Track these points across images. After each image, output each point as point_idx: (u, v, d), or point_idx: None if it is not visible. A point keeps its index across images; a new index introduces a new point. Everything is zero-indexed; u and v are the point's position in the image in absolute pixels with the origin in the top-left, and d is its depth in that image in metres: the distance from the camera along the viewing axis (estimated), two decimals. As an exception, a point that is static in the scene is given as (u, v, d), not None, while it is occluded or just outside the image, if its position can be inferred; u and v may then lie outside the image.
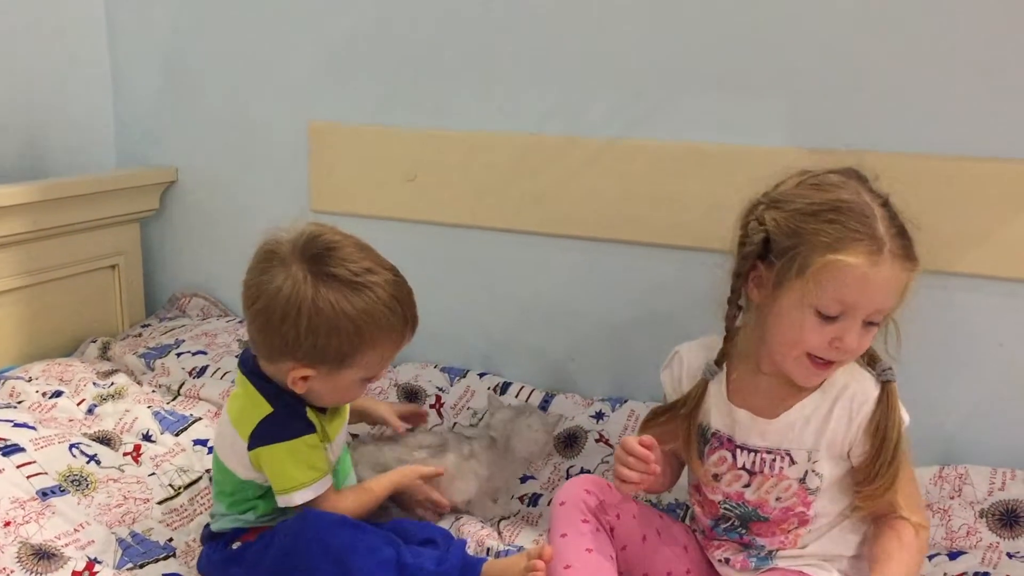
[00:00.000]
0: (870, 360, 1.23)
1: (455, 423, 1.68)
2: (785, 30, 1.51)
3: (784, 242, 1.14)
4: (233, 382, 1.44)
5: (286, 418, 1.26)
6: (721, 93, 1.57)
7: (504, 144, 1.74)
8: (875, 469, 1.18)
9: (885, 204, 1.15)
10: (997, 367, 1.46)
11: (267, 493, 1.29)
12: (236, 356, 1.79)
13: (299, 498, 1.24)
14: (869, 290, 1.10)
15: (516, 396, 1.73)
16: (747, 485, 1.22)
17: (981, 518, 1.38)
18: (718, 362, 1.25)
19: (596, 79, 1.66)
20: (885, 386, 1.19)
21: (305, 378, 1.24)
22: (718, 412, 1.25)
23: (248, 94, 1.98)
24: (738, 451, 1.23)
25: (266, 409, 1.26)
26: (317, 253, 1.22)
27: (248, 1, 1.94)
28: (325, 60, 1.89)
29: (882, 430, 1.18)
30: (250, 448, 1.25)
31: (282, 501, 1.26)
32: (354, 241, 1.27)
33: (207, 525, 1.33)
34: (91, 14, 2.07)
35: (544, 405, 1.71)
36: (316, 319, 1.20)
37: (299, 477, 1.24)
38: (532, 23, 1.69)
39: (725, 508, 1.24)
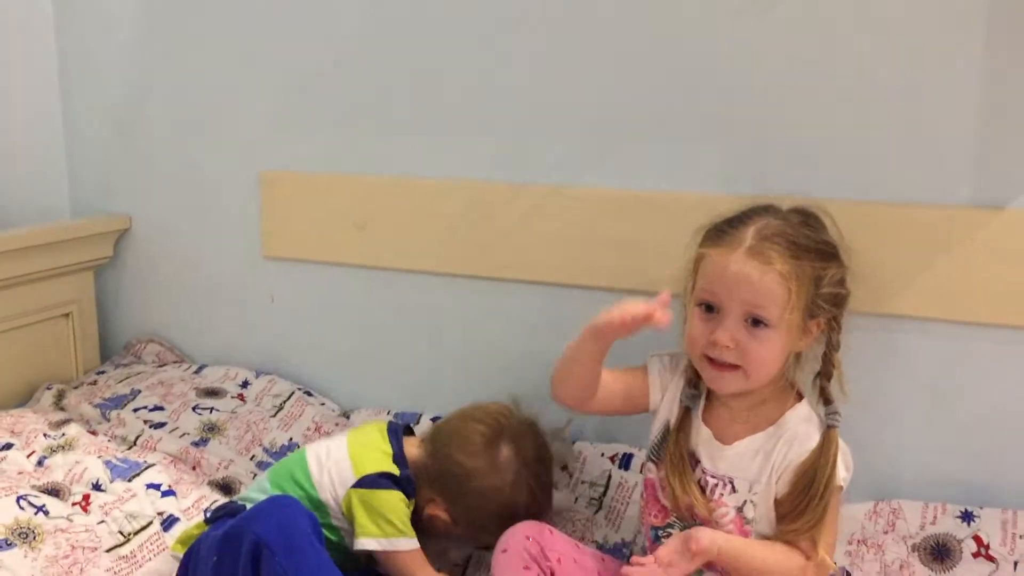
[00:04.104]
0: (825, 400, 1.28)
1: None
2: (723, 81, 1.56)
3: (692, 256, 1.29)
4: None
5: (403, 483, 1.41)
6: (662, 142, 1.62)
7: (452, 191, 1.78)
8: (798, 508, 1.23)
9: (779, 231, 1.23)
10: (927, 404, 1.50)
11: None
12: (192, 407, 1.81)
13: (405, 544, 1.37)
14: (726, 280, 1.22)
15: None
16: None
17: (914, 552, 1.42)
18: (693, 384, 1.33)
19: (541, 128, 1.70)
20: (827, 431, 1.25)
21: (435, 516, 1.43)
22: (693, 429, 1.32)
23: (199, 143, 2.00)
24: (697, 466, 1.29)
25: (393, 469, 1.41)
26: (536, 457, 1.45)
27: (198, 53, 1.98)
28: (275, 109, 1.92)
29: (811, 472, 1.23)
30: (358, 485, 1.39)
31: (372, 544, 1.36)
32: (547, 452, 1.49)
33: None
34: (43, 68, 2.10)
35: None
36: (497, 501, 1.40)
37: (400, 525, 1.38)
38: (479, 73, 1.74)
39: (675, 519, 1.30)
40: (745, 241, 1.22)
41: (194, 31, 1.97)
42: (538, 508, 1.43)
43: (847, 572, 1.42)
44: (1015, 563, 1.37)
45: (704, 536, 1.19)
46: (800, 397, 1.30)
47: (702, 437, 1.30)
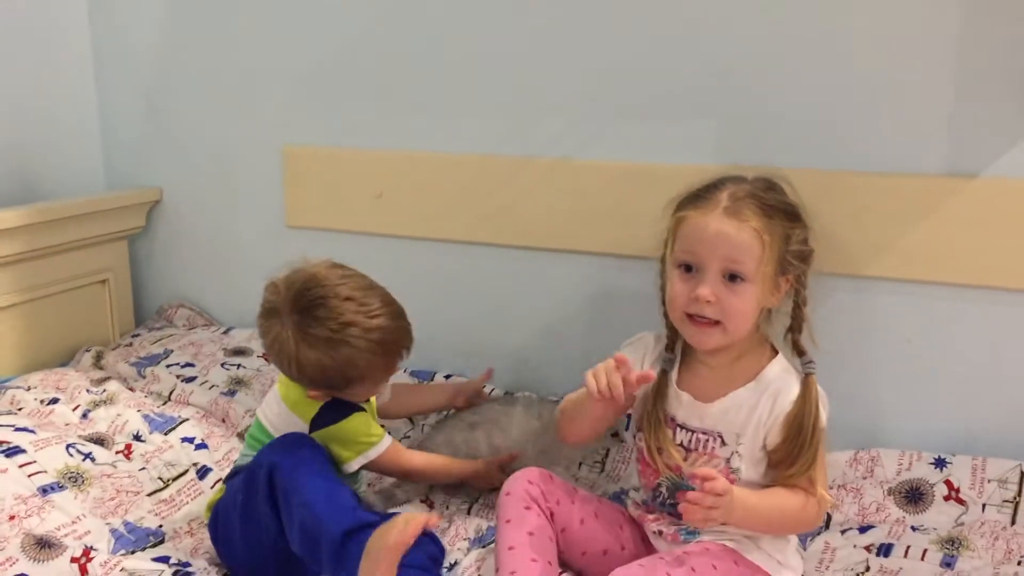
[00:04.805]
0: (799, 352, 1.38)
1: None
2: (716, 58, 1.66)
3: (668, 223, 1.38)
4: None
5: (342, 403, 1.47)
6: (658, 117, 1.72)
7: (463, 163, 1.89)
8: (793, 453, 1.32)
9: (750, 193, 1.33)
10: (904, 360, 1.61)
11: None
12: (221, 364, 1.95)
13: (379, 449, 1.47)
14: (706, 238, 1.31)
15: (478, 395, 1.88)
16: (684, 459, 1.37)
17: (889, 495, 1.53)
18: (668, 348, 1.42)
19: (547, 104, 1.81)
20: (805, 379, 1.35)
21: (318, 395, 1.45)
22: (669, 395, 1.41)
23: (226, 119, 2.12)
24: (678, 429, 1.39)
25: (327, 396, 1.46)
26: (304, 308, 1.40)
27: (224, 34, 2.09)
28: (297, 88, 2.04)
29: (799, 419, 1.32)
30: (314, 429, 1.45)
31: (356, 464, 1.46)
32: (345, 292, 1.42)
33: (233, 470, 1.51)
34: (78, 46, 2.22)
35: (503, 404, 1.85)
36: (307, 367, 1.41)
37: (367, 439, 1.46)
38: (489, 53, 1.84)
39: (664, 478, 1.38)
40: (721, 202, 1.32)
41: (221, 13, 2.08)
42: (347, 339, 1.38)
43: (828, 514, 1.53)
44: (983, 505, 1.48)
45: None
46: (775, 352, 1.40)
47: (681, 402, 1.39)
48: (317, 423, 1.46)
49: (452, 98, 1.89)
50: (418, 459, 1.54)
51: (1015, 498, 1.47)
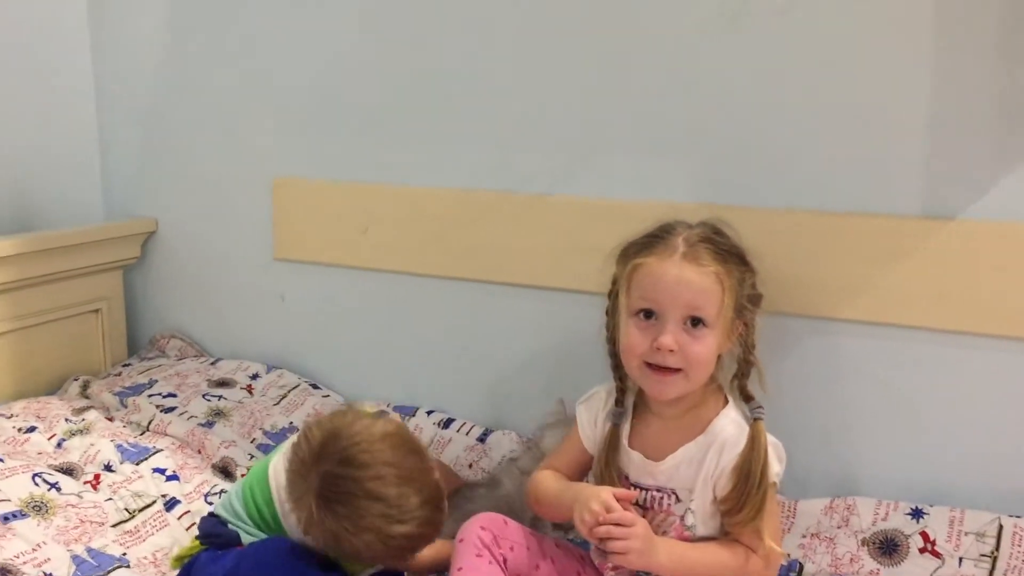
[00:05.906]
0: (746, 397, 1.35)
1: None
2: (689, 96, 1.65)
3: (618, 270, 1.35)
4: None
5: None
6: (632, 154, 1.71)
7: (445, 198, 1.89)
8: (741, 500, 1.29)
9: (704, 238, 1.31)
10: (881, 406, 1.56)
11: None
12: (203, 395, 1.96)
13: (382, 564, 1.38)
14: (665, 285, 1.28)
15: (458, 431, 1.86)
16: (642, 516, 1.34)
17: (864, 546, 1.48)
18: (618, 402, 1.39)
19: (526, 141, 1.80)
20: (752, 425, 1.32)
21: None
22: (620, 452, 1.38)
23: (220, 153, 2.15)
24: (631, 488, 1.36)
25: None
26: (327, 495, 1.28)
27: (220, 70, 2.12)
28: (288, 122, 2.05)
29: (747, 466, 1.29)
30: None
31: (366, 573, 1.39)
32: (377, 489, 1.27)
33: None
34: (80, 79, 2.26)
35: (482, 438, 1.84)
36: (313, 537, 1.33)
37: None
38: (470, 90, 1.85)
39: None
40: (679, 248, 1.30)
41: (215, 50, 2.11)
42: (358, 540, 1.28)
43: (800, 564, 1.49)
44: (960, 559, 1.43)
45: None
46: (727, 401, 1.36)
47: (632, 460, 1.36)
48: None
49: (436, 134, 1.89)
50: (427, 554, 1.40)
51: (993, 552, 1.42)
